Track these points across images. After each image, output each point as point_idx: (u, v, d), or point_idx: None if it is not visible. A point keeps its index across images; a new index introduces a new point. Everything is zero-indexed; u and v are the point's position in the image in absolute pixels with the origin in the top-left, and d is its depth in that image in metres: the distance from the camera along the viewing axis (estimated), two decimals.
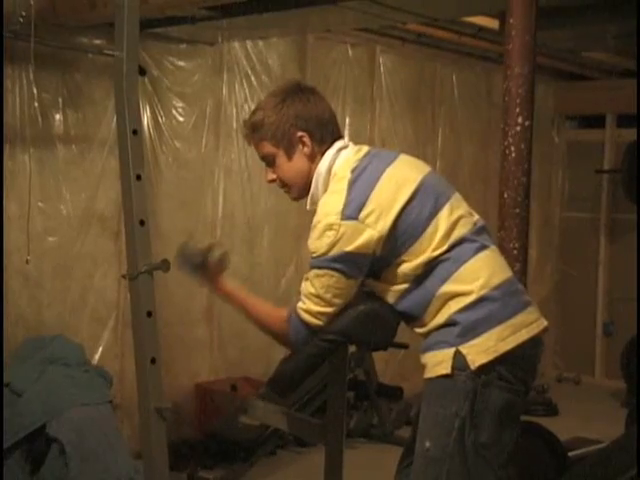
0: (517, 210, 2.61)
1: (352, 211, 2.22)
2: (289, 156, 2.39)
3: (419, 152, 6.01)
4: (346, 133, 5.46)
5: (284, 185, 2.45)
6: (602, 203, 7.17)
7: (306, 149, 2.38)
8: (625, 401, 5.82)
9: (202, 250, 2.46)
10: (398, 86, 6.14)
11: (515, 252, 2.62)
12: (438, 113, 6.49)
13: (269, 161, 2.43)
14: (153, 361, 3.27)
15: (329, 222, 2.22)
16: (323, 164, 2.37)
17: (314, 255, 2.26)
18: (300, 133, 2.37)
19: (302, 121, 2.37)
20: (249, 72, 5.26)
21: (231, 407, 4.73)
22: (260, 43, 5.29)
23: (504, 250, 2.57)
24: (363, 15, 4.15)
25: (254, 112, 2.44)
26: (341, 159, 2.36)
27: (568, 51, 5.84)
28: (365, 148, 2.42)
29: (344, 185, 2.26)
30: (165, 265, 3.32)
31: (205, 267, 2.43)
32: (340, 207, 2.22)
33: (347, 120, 5.79)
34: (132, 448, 4.22)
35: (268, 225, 5.45)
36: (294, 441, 4.98)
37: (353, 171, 2.29)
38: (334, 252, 2.21)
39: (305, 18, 4.31)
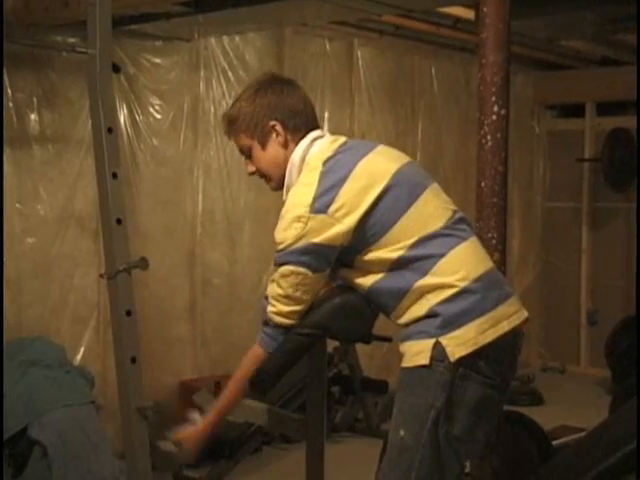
0: (495, 199, 2.60)
1: (321, 205, 2.20)
2: (263, 146, 2.38)
3: (399, 145, 5.97)
4: (325, 127, 5.44)
5: (262, 176, 2.45)
6: (583, 192, 7.18)
7: (279, 138, 2.37)
8: (610, 389, 5.84)
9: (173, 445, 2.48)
10: (377, 79, 6.13)
11: (494, 242, 2.60)
12: (417, 105, 6.48)
13: (247, 153, 2.43)
14: (133, 360, 3.27)
15: (298, 214, 2.20)
16: (296, 154, 2.35)
17: (280, 247, 2.24)
18: (272, 122, 2.36)
19: (274, 110, 2.36)
20: (226, 68, 5.23)
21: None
22: (237, 38, 5.26)
23: (482, 240, 2.55)
24: (339, 8, 4.15)
25: (231, 106, 2.46)
26: (315, 149, 2.34)
27: (546, 40, 5.83)
28: (341, 139, 2.40)
29: (315, 177, 2.24)
30: (143, 263, 3.31)
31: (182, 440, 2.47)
32: (310, 199, 2.20)
33: (326, 114, 5.78)
34: (117, 448, 4.19)
35: (248, 221, 5.43)
36: (279, 438, 4.96)
37: (325, 163, 2.27)
38: (300, 244, 2.20)
39: (281, 11, 4.29)
